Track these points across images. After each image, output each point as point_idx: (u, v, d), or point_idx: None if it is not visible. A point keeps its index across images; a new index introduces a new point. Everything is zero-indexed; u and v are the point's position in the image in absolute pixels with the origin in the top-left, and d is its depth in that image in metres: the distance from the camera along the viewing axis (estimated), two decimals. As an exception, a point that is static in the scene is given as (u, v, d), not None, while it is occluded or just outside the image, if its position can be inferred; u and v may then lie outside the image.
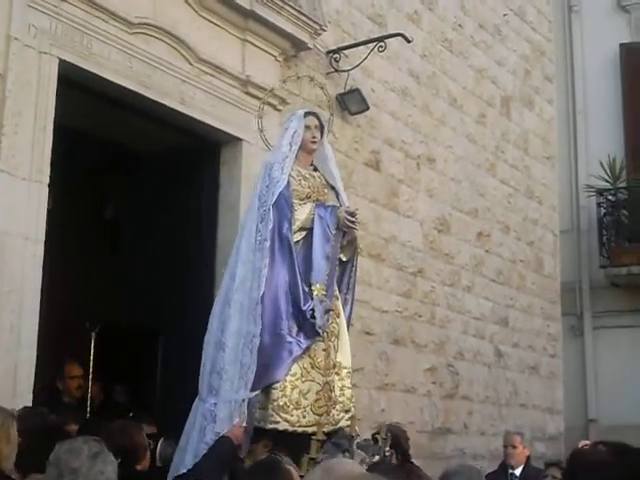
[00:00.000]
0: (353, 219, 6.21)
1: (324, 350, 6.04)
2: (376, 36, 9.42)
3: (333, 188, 6.56)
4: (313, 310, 5.94)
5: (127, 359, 8.44)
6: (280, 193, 6.09)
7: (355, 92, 9.21)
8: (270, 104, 8.23)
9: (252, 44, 8.17)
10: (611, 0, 15.51)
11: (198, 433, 5.88)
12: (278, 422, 5.80)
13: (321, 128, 6.46)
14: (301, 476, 4.71)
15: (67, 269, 8.85)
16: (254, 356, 5.79)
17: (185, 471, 5.65)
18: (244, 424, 5.66)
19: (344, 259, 6.39)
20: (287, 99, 8.33)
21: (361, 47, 9.29)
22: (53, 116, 6.43)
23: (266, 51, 8.32)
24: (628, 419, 13.43)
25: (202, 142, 8.23)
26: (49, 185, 6.38)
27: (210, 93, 7.79)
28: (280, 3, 8.10)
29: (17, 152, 6.18)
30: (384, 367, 9.55)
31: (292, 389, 5.86)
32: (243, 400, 5.74)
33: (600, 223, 14.65)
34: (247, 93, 8.10)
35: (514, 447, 8.67)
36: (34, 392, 6.19)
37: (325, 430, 5.79)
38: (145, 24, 7.21)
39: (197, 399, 6.06)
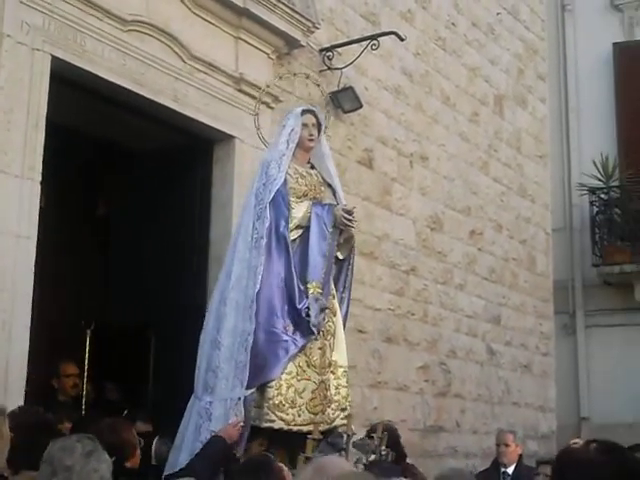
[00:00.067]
0: (350, 217, 6.21)
1: (320, 349, 6.03)
2: (369, 34, 9.42)
3: (330, 186, 6.56)
4: (308, 308, 5.94)
5: (119, 357, 8.41)
6: (277, 191, 6.08)
7: (348, 90, 9.21)
8: (263, 102, 8.24)
9: (245, 42, 8.17)
10: (604, -1, 15.54)
11: (193, 431, 5.88)
12: (273, 421, 5.79)
13: (318, 126, 6.46)
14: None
15: (59, 267, 8.84)
16: (249, 354, 5.78)
17: (178, 470, 5.63)
18: (241, 424, 5.64)
19: (341, 257, 6.39)
20: (280, 97, 8.31)
21: (354, 45, 9.29)
22: (45, 113, 6.42)
23: (259, 49, 8.31)
24: (620, 417, 13.45)
25: (195, 140, 8.23)
26: (41, 183, 6.37)
27: (203, 91, 7.79)
28: (273, 1, 8.10)
29: (9, 149, 6.17)
30: (376, 365, 9.55)
31: (288, 388, 5.85)
32: (239, 398, 5.73)
33: (593, 222, 14.65)
34: (240, 91, 8.10)
35: (507, 445, 8.68)
36: (27, 389, 6.20)
37: (320, 429, 5.79)
38: (138, 21, 7.20)
39: (192, 397, 6.06)
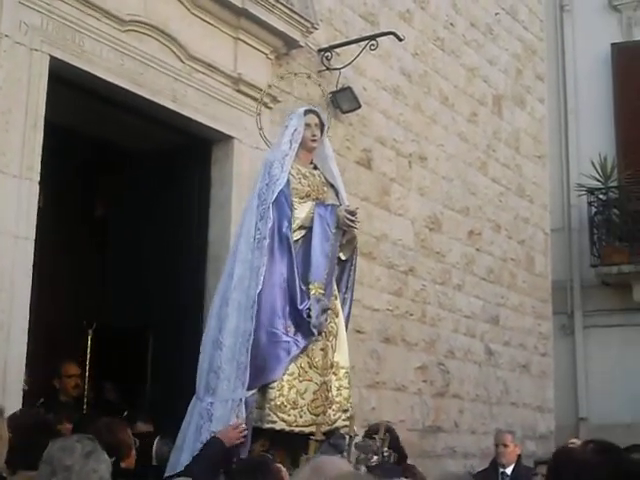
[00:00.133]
0: (353, 218, 6.18)
1: (322, 350, 6.00)
2: (368, 34, 9.42)
3: (333, 186, 6.54)
4: (310, 309, 5.92)
5: (117, 357, 8.41)
6: (280, 191, 6.05)
7: (347, 90, 9.21)
8: (260, 102, 8.23)
9: (244, 42, 8.16)
10: (603, 0, 15.53)
11: (194, 432, 5.85)
12: (275, 422, 5.76)
13: (321, 126, 6.44)
14: (294, 476, 4.70)
15: (57, 267, 8.84)
16: (249, 355, 5.76)
17: (176, 472, 5.62)
18: (243, 426, 5.62)
19: (343, 258, 6.36)
20: (279, 97, 8.32)
21: (353, 45, 9.29)
22: (44, 113, 6.42)
23: (258, 49, 8.31)
24: (618, 418, 13.46)
25: (193, 140, 8.22)
26: (39, 183, 6.37)
27: (202, 91, 7.79)
28: (272, 1, 8.10)
29: (7, 150, 6.17)
30: (375, 365, 9.55)
31: (289, 389, 5.83)
32: (240, 399, 5.71)
33: (591, 222, 14.65)
34: (239, 91, 8.09)
35: (505, 446, 8.67)
36: (27, 390, 6.20)
37: (322, 430, 5.77)
38: (137, 22, 7.20)
39: (194, 398, 6.04)
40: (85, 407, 8.06)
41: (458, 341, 11.13)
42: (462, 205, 11.47)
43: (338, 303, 6.27)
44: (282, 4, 8.20)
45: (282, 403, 5.78)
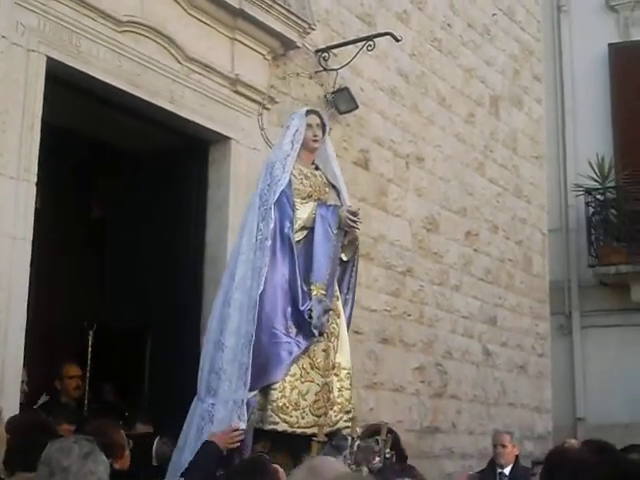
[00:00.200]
0: (355, 218, 6.17)
1: (324, 351, 5.98)
2: (365, 35, 9.41)
3: (334, 187, 6.54)
4: (311, 310, 5.91)
5: (116, 358, 8.41)
6: (282, 192, 6.04)
7: (344, 91, 9.21)
8: (259, 103, 8.25)
9: (241, 43, 8.16)
10: (600, 0, 15.54)
11: (195, 433, 5.83)
12: (277, 423, 5.74)
13: (323, 127, 6.44)
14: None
15: (55, 268, 8.85)
16: (251, 356, 5.75)
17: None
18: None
19: (345, 259, 6.34)
20: (276, 98, 8.33)
21: (350, 46, 9.28)
22: (41, 114, 6.41)
23: (255, 50, 8.30)
24: (616, 418, 13.47)
25: (191, 141, 8.22)
26: (37, 184, 6.37)
27: (199, 92, 7.78)
28: (269, 2, 8.09)
29: (4, 151, 6.16)
30: (373, 366, 9.55)
31: (291, 390, 5.80)
32: (242, 401, 5.69)
33: (589, 222, 14.68)
34: (236, 92, 8.09)
35: (504, 446, 8.65)
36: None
37: (324, 431, 5.76)
38: (134, 22, 7.19)
39: (195, 399, 6.03)
40: (86, 408, 8.06)
41: (456, 342, 11.13)
42: (459, 206, 11.47)
43: (340, 304, 6.25)
44: (279, 5, 8.20)
45: (284, 404, 5.76)
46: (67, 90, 7.00)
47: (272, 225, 5.95)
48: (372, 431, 6.28)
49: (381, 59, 10.10)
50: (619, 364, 14.10)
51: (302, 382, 5.87)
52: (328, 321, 6.01)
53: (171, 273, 8.09)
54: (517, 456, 8.78)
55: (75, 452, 3.29)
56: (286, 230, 5.98)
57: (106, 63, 6.96)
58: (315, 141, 6.35)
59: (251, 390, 5.71)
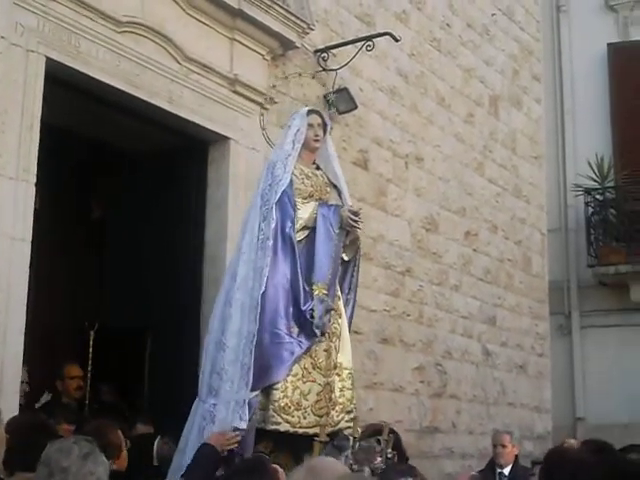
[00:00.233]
0: (356, 218, 6.17)
1: (325, 350, 5.97)
2: (364, 35, 9.41)
3: (335, 187, 6.53)
4: (313, 310, 5.90)
5: (115, 358, 8.41)
6: (283, 191, 6.03)
7: (343, 91, 9.21)
8: (258, 103, 8.25)
9: (240, 43, 8.16)
10: (599, 0, 15.54)
11: (197, 434, 5.81)
12: (279, 423, 5.73)
13: (324, 126, 6.44)
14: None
15: (54, 269, 8.84)
16: (253, 356, 5.75)
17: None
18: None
19: (346, 259, 6.33)
20: (275, 98, 8.33)
21: (349, 46, 9.28)
22: (40, 115, 6.41)
23: (254, 50, 8.30)
24: (616, 418, 13.48)
25: (190, 141, 8.22)
26: (36, 184, 6.37)
27: (198, 92, 7.78)
28: (268, 2, 8.09)
29: (4, 151, 6.16)
30: (372, 366, 9.55)
31: (293, 390, 5.79)
32: (244, 401, 5.69)
33: (588, 222, 14.68)
34: (235, 92, 8.09)
35: (503, 446, 8.65)
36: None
37: (326, 431, 5.75)
38: (133, 23, 7.18)
39: (196, 400, 6.02)
40: (87, 409, 8.06)
41: (455, 342, 11.13)
42: (459, 206, 11.47)
43: (341, 304, 6.25)
44: (278, 5, 8.20)
45: (286, 404, 5.75)
46: (66, 90, 7.00)
47: (273, 225, 5.94)
48: (372, 431, 6.28)
49: (380, 59, 10.10)
50: (618, 364, 14.10)
51: (304, 382, 5.86)
52: (330, 321, 6.01)
53: (171, 273, 8.09)
54: (517, 456, 8.78)
55: (75, 453, 3.30)
56: (287, 230, 5.98)
57: (105, 63, 6.96)
58: (316, 141, 6.35)
59: (253, 390, 5.69)
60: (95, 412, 7.83)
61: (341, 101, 9.21)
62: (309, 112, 6.41)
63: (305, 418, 5.80)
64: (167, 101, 7.50)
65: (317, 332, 5.89)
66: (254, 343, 5.73)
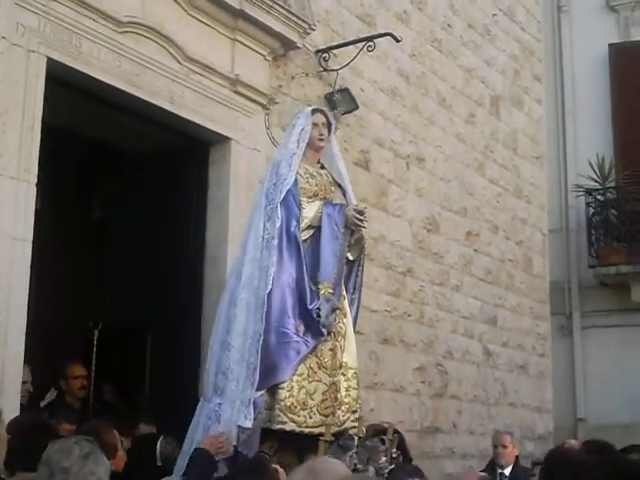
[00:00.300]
0: (362, 217, 6.18)
1: (331, 350, 5.97)
2: (365, 36, 9.41)
3: (340, 186, 6.53)
4: (319, 309, 5.90)
5: (116, 358, 8.41)
6: (288, 191, 6.03)
7: (344, 92, 9.21)
8: (259, 103, 8.24)
9: (241, 43, 8.16)
10: (600, 0, 15.54)
11: (202, 434, 5.81)
12: (285, 422, 5.73)
13: (328, 126, 6.44)
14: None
15: (55, 269, 8.84)
16: (259, 355, 5.74)
17: None
18: (248, 425, 5.59)
19: (351, 258, 6.33)
20: (276, 98, 8.33)
21: (350, 47, 9.28)
22: (41, 115, 6.41)
23: (255, 50, 8.30)
24: (617, 418, 13.47)
25: (191, 141, 8.22)
26: (37, 184, 6.37)
27: (199, 92, 7.78)
28: (269, 2, 8.09)
29: (5, 151, 6.16)
30: (373, 366, 9.54)
31: (299, 389, 5.79)
32: (249, 400, 5.68)
33: (589, 223, 14.68)
34: (236, 92, 8.09)
35: (504, 447, 8.63)
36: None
37: (331, 431, 5.75)
38: (134, 23, 7.19)
39: (201, 400, 6.02)
40: (91, 408, 8.06)
41: (456, 342, 11.13)
42: (460, 206, 11.47)
43: (346, 303, 6.25)
44: (279, 5, 8.20)
45: (292, 404, 5.75)
46: (67, 90, 7.01)
47: (278, 224, 5.95)
48: (373, 431, 6.28)
49: (381, 59, 10.09)
50: (619, 364, 14.10)
51: (309, 382, 5.86)
52: (335, 320, 6.01)
53: (171, 273, 8.09)
54: (517, 456, 8.77)
55: (75, 453, 3.30)
56: (292, 229, 5.98)
57: (106, 64, 6.96)
58: (321, 140, 6.35)
59: (259, 390, 5.70)
60: (98, 412, 7.85)
61: (342, 101, 9.21)
62: (314, 111, 6.42)
63: (311, 418, 5.80)
64: (168, 101, 7.50)
65: (324, 331, 5.90)
66: (260, 342, 5.74)
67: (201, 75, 7.79)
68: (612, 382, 14.02)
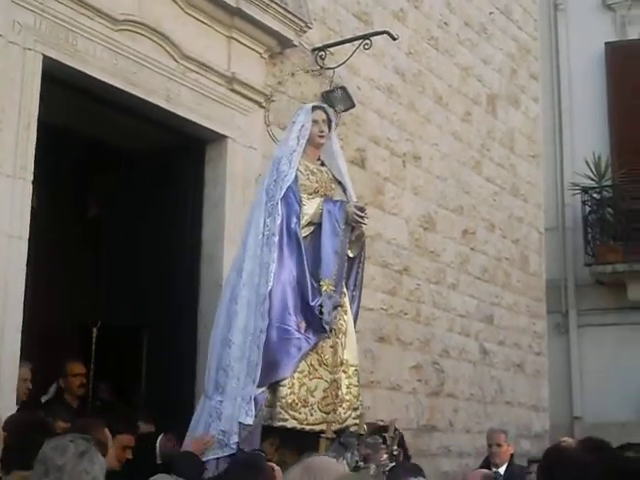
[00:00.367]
0: (362, 214, 6.18)
1: (332, 347, 5.98)
2: (362, 34, 9.40)
3: (340, 183, 6.53)
4: (321, 306, 5.90)
5: (112, 356, 8.40)
6: (288, 187, 6.05)
7: (341, 90, 9.20)
8: (255, 101, 8.24)
9: (238, 41, 8.15)
10: (596, -2, 15.55)
11: (203, 431, 5.83)
12: (286, 420, 5.75)
13: (329, 123, 6.43)
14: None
15: (51, 267, 8.83)
16: (261, 352, 5.74)
17: None
18: (249, 421, 5.58)
19: (351, 255, 6.35)
20: (273, 97, 8.32)
21: (347, 45, 9.27)
22: (37, 113, 6.41)
23: (252, 48, 8.29)
24: (613, 417, 13.47)
25: (187, 139, 8.21)
26: (33, 182, 6.36)
27: (196, 90, 7.77)
28: (266, 1, 8.08)
29: (1, 149, 6.15)
30: (369, 365, 9.54)
31: (300, 386, 5.80)
32: (250, 397, 5.68)
33: (585, 221, 14.66)
34: (233, 90, 8.08)
35: (499, 445, 8.65)
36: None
37: (333, 428, 5.75)
38: (130, 21, 7.18)
39: (202, 397, 6.02)
40: (90, 406, 8.05)
41: (453, 340, 11.13)
42: (456, 204, 11.47)
43: (347, 300, 6.25)
44: (276, 3, 8.19)
45: (293, 401, 5.76)
46: (63, 89, 7.00)
47: (279, 220, 5.96)
48: (372, 429, 6.30)
49: (378, 57, 10.09)
50: (616, 363, 14.09)
51: (310, 379, 5.87)
52: (336, 317, 6.01)
53: (167, 271, 8.08)
54: (512, 455, 8.78)
55: (70, 451, 3.29)
56: (293, 226, 5.99)
57: (103, 62, 6.95)
58: (321, 137, 6.36)
59: (260, 386, 5.71)
60: (97, 410, 7.85)
61: (339, 100, 9.20)
62: (314, 108, 6.43)
63: (312, 415, 5.82)
64: (164, 99, 7.49)
65: (326, 328, 5.89)
66: (262, 339, 5.73)
67: (197, 73, 7.79)
68: (608, 380, 14.01)
